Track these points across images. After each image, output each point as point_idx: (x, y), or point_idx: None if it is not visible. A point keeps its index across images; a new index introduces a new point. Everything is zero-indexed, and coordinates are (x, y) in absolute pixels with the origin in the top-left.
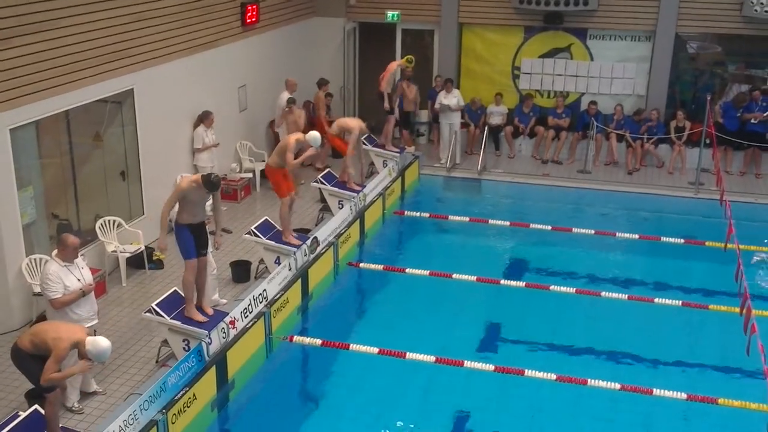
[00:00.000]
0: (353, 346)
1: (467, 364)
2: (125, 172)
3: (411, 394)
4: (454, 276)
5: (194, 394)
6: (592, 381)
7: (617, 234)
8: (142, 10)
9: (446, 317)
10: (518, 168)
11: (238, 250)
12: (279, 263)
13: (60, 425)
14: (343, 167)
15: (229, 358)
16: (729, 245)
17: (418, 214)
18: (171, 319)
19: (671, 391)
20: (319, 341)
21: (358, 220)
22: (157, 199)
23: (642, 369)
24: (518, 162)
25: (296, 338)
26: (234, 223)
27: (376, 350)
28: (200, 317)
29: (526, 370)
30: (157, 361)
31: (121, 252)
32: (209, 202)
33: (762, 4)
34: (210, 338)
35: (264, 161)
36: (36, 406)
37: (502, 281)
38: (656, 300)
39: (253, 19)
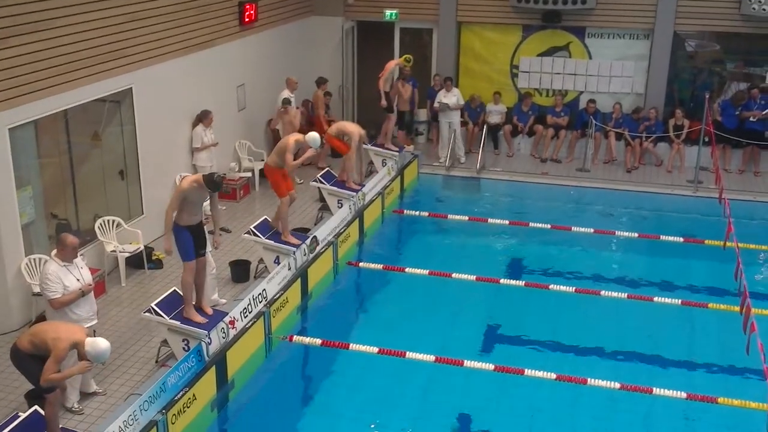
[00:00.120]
0: (353, 346)
1: (467, 363)
2: (124, 172)
3: (411, 394)
4: (453, 275)
5: (194, 395)
6: (592, 380)
7: (616, 233)
8: (141, 9)
9: (446, 317)
10: (517, 167)
11: (238, 250)
12: (278, 263)
13: (60, 426)
14: (343, 166)
15: (228, 358)
16: (728, 243)
17: (417, 213)
18: (170, 319)
19: (671, 390)
20: (318, 341)
21: (357, 220)
22: (156, 199)
23: (641, 368)
24: (517, 161)
25: (296, 338)
26: (233, 223)
27: (375, 350)
28: (199, 318)
29: (525, 370)
30: (156, 361)
31: (120, 252)
32: (206, 202)
33: (760, 2)
34: (209, 338)
35: (263, 160)
36: (36, 407)
37: (502, 280)
38: (656, 299)
39: (252, 18)
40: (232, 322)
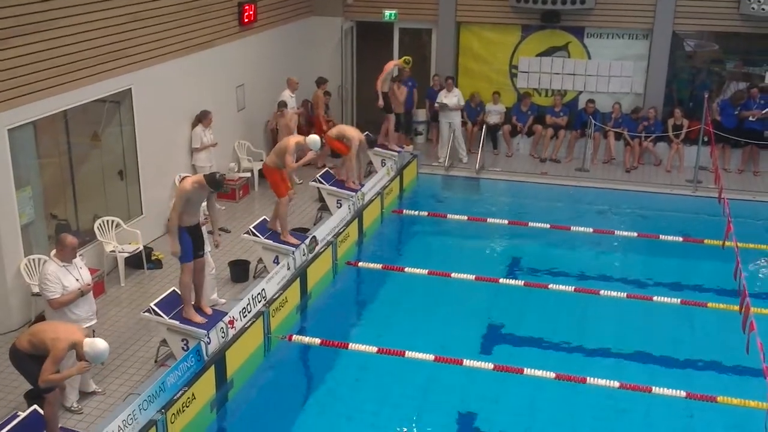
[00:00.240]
0: (352, 345)
1: (466, 362)
2: (123, 172)
3: (410, 393)
4: (452, 275)
5: (193, 394)
6: (591, 379)
7: (616, 232)
8: (140, 10)
9: (445, 316)
10: (516, 166)
11: (237, 250)
12: (278, 262)
13: (59, 425)
14: (343, 166)
15: (228, 357)
16: (727, 243)
17: (416, 213)
18: (170, 318)
19: (670, 390)
20: (318, 340)
21: (356, 219)
22: (155, 199)
23: (641, 367)
24: (516, 160)
25: (295, 337)
26: (232, 223)
27: (375, 349)
28: (198, 319)
29: (525, 369)
30: (155, 361)
31: (119, 252)
32: (204, 202)
33: (759, 1)
34: (209, 338)
35: (262, 161)
36: (35, 407)
37: (501, 280)
38: (655, 298)
39: (251, 19)
40: (231, 322)
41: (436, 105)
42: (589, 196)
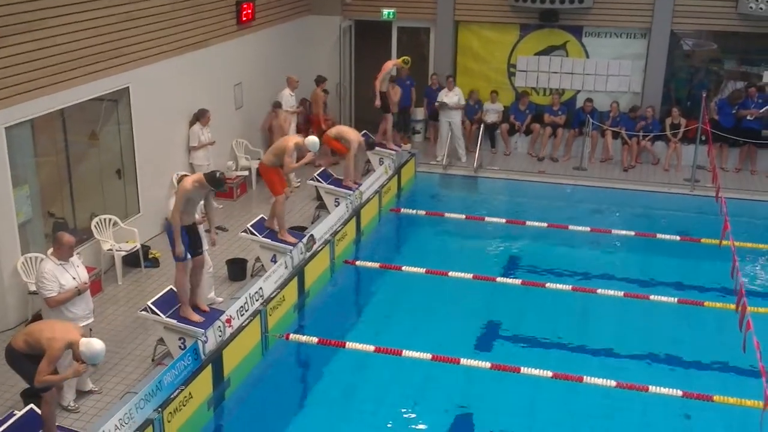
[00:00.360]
0: (349, 344)
1: (463, 361)
2: (121, 171)
3: (407, 392)
4: (450, 274)
5: (190, 393)
6: (588, 378)
7: (613, 231)
8: (138, 9)
9: (442, 315)
10: (514, 165)
11: (234, 248)
12: (275, 261)
13: (56, 424)
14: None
15: (225, 356)
16: (724, 242)
17: (414, 211)
18: (167, 317)
19: (667, 389)
20: (315, 339)
21: (354, 218)
22: (152, 198)
23: (638, 366)
24: (514, 159)
25: (292, 336)
26: (230, 221)
27: (372, 348)
28: (196, 317)
29: (522, 368)
30: (152, 360)
31: (116, 250)
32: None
33: (757, 1)
34: (206, 336)
35: (260, 159)
36: (31, 405)
37: (498, 279)
38: (652, 297)
39: (249, 17)
40: (228, 321)
41: (435, 104)
42: (587, 195)
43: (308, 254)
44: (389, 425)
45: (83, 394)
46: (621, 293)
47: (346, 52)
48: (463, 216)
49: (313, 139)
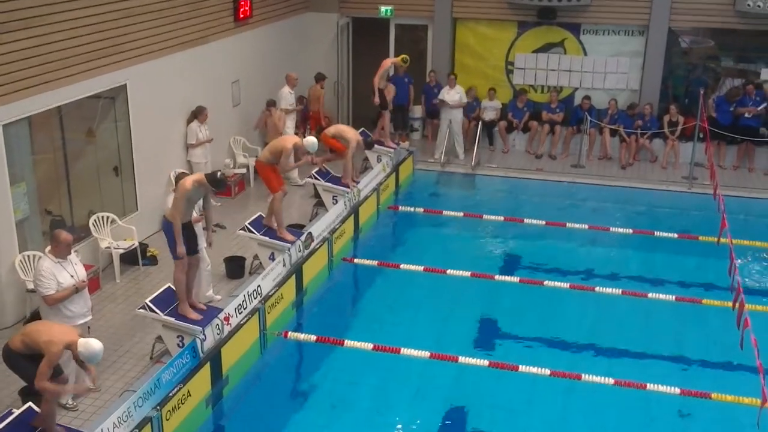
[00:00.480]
0: (348, 342)
1: (462, 359)
2: (119, 168)
3: (405, 390)
4: (448, 271)
5: (189, 391)
6: (586, 376)
7: (611, 229)
8: (135, 5)
9: (441, 313)
10: (512, 163)
11: (232, 246)
12: (273, 259)
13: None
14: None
15: (223, 354)
16: (722, 239)
17: (412, 209)
18: (165, 315)
19: (665, 386)
20: (313, 337)
21: (352, 216)
22: (150, 195)
23: (635, 364)
24: (512, 157)
25: (291, 334)
26: (228, 219)
27: (370, 346)
28: (194, 315)
29: (520, 366)
30: (151, 358)
31: (114, 248)
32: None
33: None
34: (204, 334)
35: (257, 157)
36: (30, 404)
37: (497, 276)
38: (650, 294)
39: (246, 14)
40: (226, 319)
41: (435, 101)
42: (585, 192)
43: (306, 252)
44: (387, 423)
45: None
46: (619, 291)
47: (344, 49)
48: (461, 214)
49: (311, 141)
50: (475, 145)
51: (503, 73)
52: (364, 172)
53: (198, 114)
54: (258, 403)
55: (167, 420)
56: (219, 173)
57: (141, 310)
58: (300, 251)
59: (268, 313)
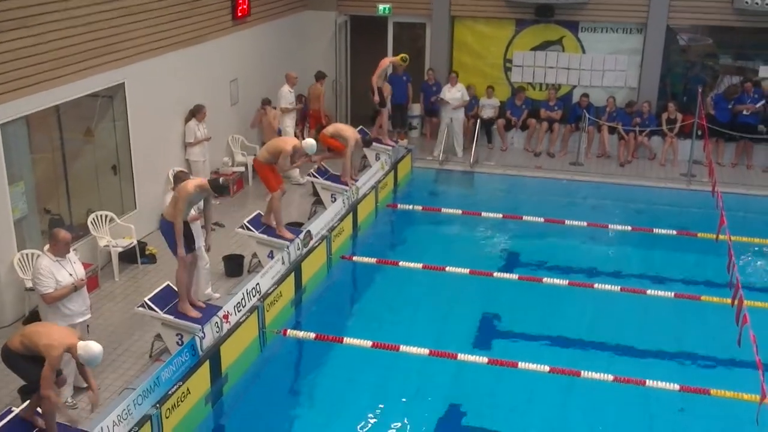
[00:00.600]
0: (347, 340)
1: (461, 356)
2: (117, 167)
3: (405, 387)
4: (447, 269)
5: (188, 389)
6: (585, 373)
7: (610, 226)
8: (133, 4)
9: (440, 310)
10: (510, 160)
11: (231, 244)
12: (272, 257)
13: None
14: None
15: (222, 352)
16: (720, 236)
17: (411, 207)
18: (164, 313)
19: (664, 383)
20: (312, 335)
21: (351, 214)
22: (149, 194)
23: (635, 360)
24: (510, 154)
25: (290, 332)
26: (227, 217)
27: (369, 343)
28: (194, 313)
29: (519, 363)
30: (150, 356)
31: (113, 246)
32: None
33: None
34: (203, 332)
35: (256, 155)
36: (29, 402)
37: (496, 274)
38: (649, 291)
39: (244, 13)
40: (225, 317)
41: (433, 99)
42: (584, 189)
43: (305, 250)
44: (386, 420)
45: (81, 390)
46: (618, 288)
47: (342, 47)
48: (460, 211)
49: (310, 143)
50: (474, 143)
51: (501, 70)
52: (362, 170)
53: (196, 112)
54: (257, 400)
55: (167, 418)
56: (222, 179)
57: (140, 309)
58: (299, 249)
59: (267, 311)
